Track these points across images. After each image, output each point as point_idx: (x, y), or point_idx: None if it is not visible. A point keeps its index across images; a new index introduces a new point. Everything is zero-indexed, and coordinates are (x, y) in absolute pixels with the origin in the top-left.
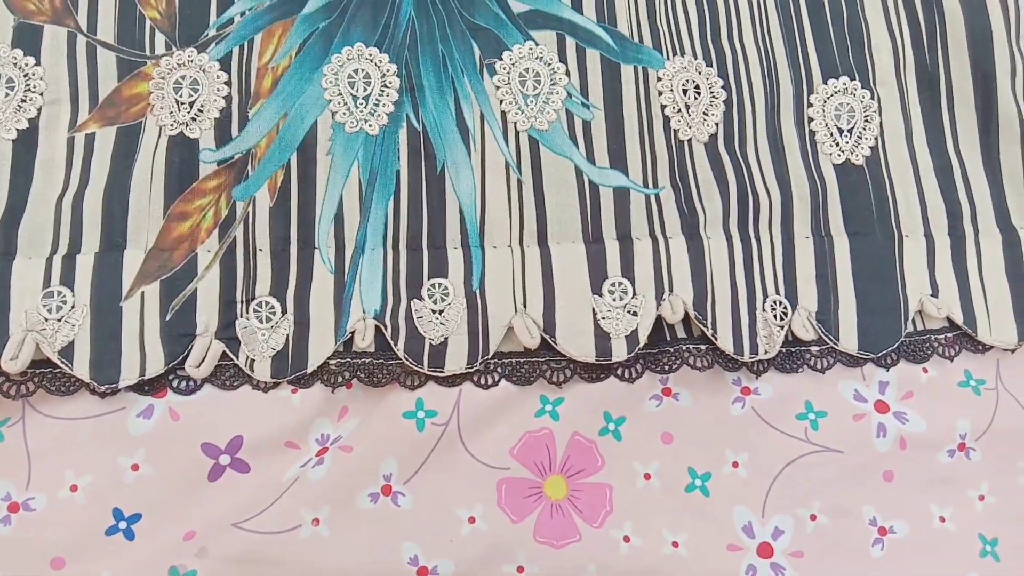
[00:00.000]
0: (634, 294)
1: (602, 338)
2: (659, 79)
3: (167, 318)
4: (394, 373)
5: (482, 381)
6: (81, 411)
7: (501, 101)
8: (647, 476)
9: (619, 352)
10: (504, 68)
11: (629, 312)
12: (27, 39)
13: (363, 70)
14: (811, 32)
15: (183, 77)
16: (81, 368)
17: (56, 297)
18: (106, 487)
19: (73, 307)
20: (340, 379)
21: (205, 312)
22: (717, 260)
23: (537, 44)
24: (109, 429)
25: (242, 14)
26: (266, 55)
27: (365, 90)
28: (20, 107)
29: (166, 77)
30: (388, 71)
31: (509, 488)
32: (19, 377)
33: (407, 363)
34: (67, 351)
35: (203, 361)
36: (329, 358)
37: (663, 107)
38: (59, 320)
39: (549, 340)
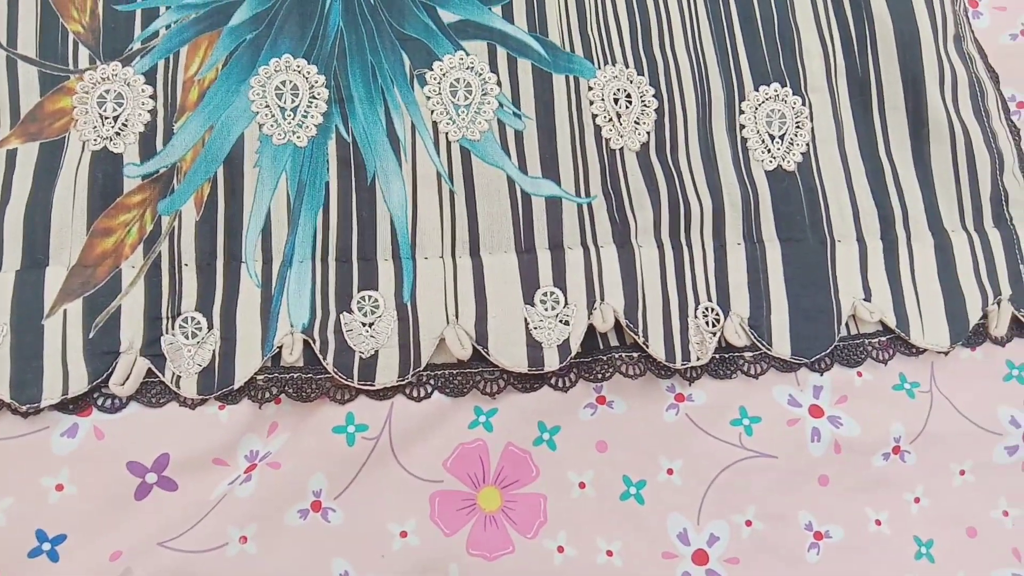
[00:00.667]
0: (566, 303)
1: (534, 348)
2: (590, 88)
3: (90, 335)
4: (323, 387)
5: (414, 394)
6: (2, 431)
7: (432, 111)
8: (582, 485)
9: (551, 362)
10: (435, 78)
11: (561, 321)
12: None
13: (291, 81)
14: (742, 39)
15: (107, 91)
16: (1, 388)
17: None
18: (28, 508)
19: None
20: (268, 394)
21: (129, 329)
22: (648, 268)
23: (468, 54)
24: (31, 449)
25: (167, 27)
26: (192, 68)
27: (293, 102)
28: None
29: (90, 91)
30: (316, 82)
31: (442, 501)
32: None
33: (337, 377)
34: None
35: (128, 379)
36: (256, 373)
37: (594, 116)
38: None
39: (481, 351)
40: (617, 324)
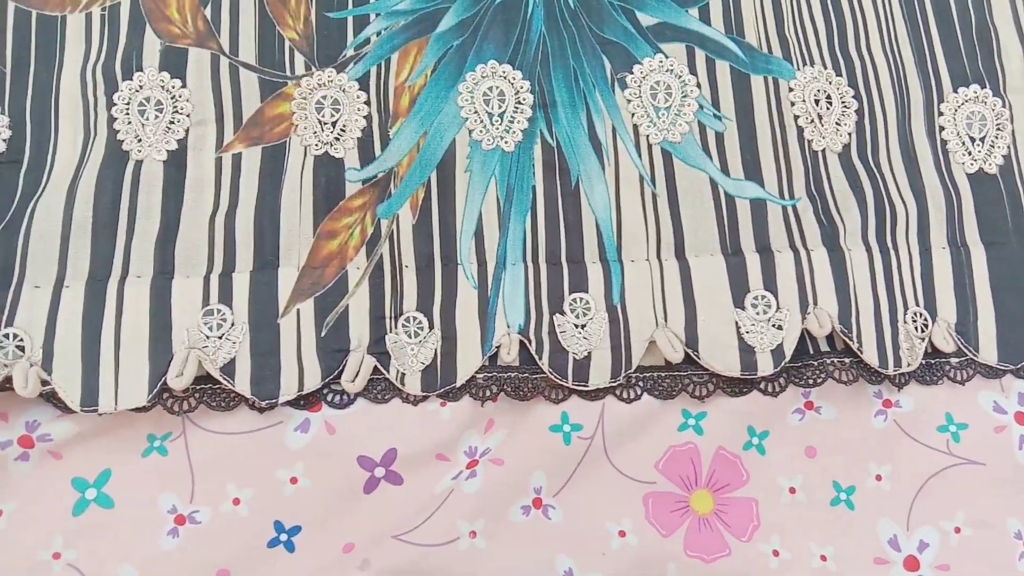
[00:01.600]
0: (778, 307)
1: (747, 352)
2: (791, 89)
3: (322, 334)
4: (539, 387)
5: (625, 395)
6: (240, 426)
7: (633, 114)
8: (792, 490)
9: (765, 367)
10: (635, 81)
11: (774, 326)
12: (173, 62)
13: (497, 87)
14: (939, 40)
15: (324, 97)
16: (242, 384)
17: (216, 315)
18: (267, 500)
19: (232, 325)
20: (488, 392)
21: (357, 328)
22: (859, 272)
23: (667, 56)
24: (268, 443)
25: (378, 33)
26: (403, 74)
27: (500, 107)
28: (169, 128)
29: (307, 97)
30: (522, 88)
31: (656, 502)
32: (181, 393)
33: (552, 377)
34: (228, 368)
35: (357, 375)
36: (476, 372)
37: (796, 117)
38: (220, 338)
39: (692, 354)
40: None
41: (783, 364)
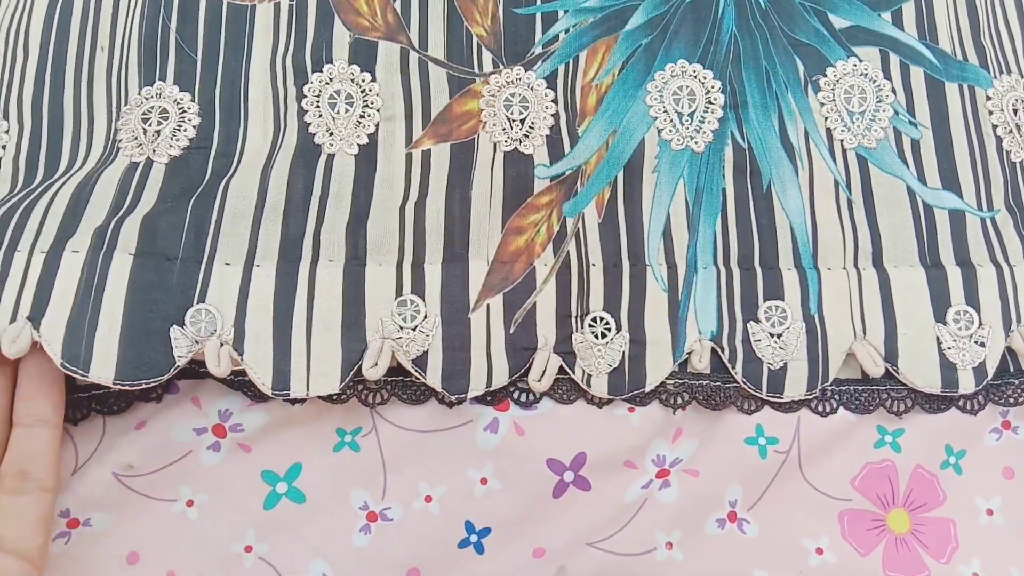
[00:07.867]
0: (980, 324)
1: (948, 369)
2: (989, 98)
3: (510, 331)
4: (731, 397)
5: (820, 408)
6: (430, 423)
7: (826, 118)
8: (989, 512)
9: (966, 384)
10: (828, 84)
11: (976, 342)
12: (363, 55)
13: (687, 87)
14: None
15: (512, 95)
16: (433, 378)
17: (410, 306)
18: (458, 500)
19: (426, 317)
20: (680, 400)
21: (544, 326)
22: None
23: (861, 60)
24: (458, 442)
25: (566, 31)
26: (590, 73)
27: (690, 107)
28: (359, 123)
29: (496, 95)
30: (712, 87)
31: (851, 520)
32: (374, 385)
33: (745, 387)
34: (420, 360)
35: (543, 375)
36: (667, 378)
37: (994, 127)
38: (413, 329)
39: (891, 369)
40: None
41: (985, 383)
